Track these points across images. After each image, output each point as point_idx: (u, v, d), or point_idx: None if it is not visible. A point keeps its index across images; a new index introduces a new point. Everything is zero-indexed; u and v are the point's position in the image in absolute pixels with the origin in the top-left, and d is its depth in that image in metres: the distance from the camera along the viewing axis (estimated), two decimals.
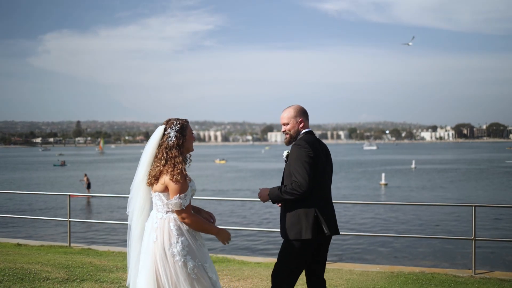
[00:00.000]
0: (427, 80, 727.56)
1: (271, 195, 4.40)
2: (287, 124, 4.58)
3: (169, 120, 4.03)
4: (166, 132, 3.98)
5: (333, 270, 8.22)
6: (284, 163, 4.60)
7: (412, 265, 12.02)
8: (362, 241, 16.48)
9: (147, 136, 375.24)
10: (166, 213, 3.87)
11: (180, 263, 3.74)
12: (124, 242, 14.52)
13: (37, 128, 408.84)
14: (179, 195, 3.80)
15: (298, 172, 4.28)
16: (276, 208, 23.32)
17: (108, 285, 6.48)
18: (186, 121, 4.07)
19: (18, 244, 10.73)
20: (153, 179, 3.90)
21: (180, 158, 3.91)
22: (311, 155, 4.32)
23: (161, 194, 3.87)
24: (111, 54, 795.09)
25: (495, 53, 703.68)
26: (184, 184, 3.83)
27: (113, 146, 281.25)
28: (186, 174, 3.90)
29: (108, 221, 18.42)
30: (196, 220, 3.86)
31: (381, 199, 31.27)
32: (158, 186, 3.88)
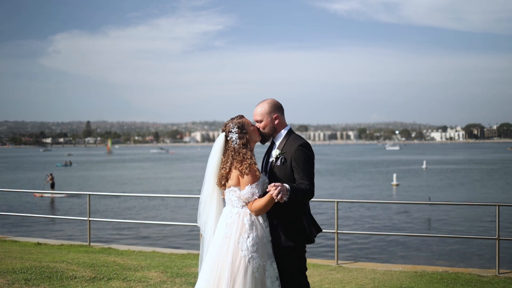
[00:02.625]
0: (437, 80, 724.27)
1: (293, 192, 3.77)
2: (261, 121, 4.17)
3: (226, 124, 4.10)
4: (228, 138, 4.06)
5: (356, 269, 8.22)
6: (269, 163, 4.17)
7: (429, 264, 11.98)
8: (379, 240, 16.43)
9: (156, 136, 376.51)
10: (242, 208, 3.93)
11: (247, 259, 3.76)
12: (141, 242, 14.51)
13: (47, 129, 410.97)
14: (250, 185, 3.86)
15: (310, 178, 3.98)
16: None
17: (135, 284, 6.52)
18: (241, 116, 4.13)
19: (38, 243, 10.79)
20: (224, 179, 3.99)
21: (249, 153, 3.98)
22: (313, 155, 4.11)
23: (235, 188, 3.94)
24: (121, 54, 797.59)
25: (506, 53, 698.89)
26: (253, 175, 3.89)
27: (116, 146, 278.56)
28: (257, 168, 3.95)
29: (130, 220, 18.52)
30: (259, 204, 3.86)
31: (393, 199, 31.15)
32: (231, 181, 3.95)
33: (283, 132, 4.20)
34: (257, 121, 4.18)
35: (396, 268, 8.50)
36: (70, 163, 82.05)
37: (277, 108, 4.18)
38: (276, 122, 4.16)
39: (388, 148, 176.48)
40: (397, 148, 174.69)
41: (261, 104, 4.19)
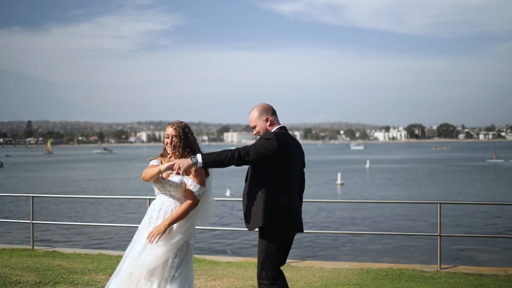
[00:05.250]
0: (380, 81, 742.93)
1: (205, 157, 4.15)
2: (255, 126, 4.57)
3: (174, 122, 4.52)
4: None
5: (304, 268, 8.34)
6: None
7: (375, 261, 12.25)
8: (325, 239, 16.69)
9: (101, 136, 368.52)
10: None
11: None
12: (88, 244, 14.17)
13: None
14: None
15: (244, 148, 4.26)
16: (235, 206, 23.34)
17: (83, 287, 6.39)
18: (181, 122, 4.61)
19: None
20: None
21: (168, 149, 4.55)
22: (270, 146, 4.27)
23: None
24: (64, 53, 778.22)
25: (445, 55, 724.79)
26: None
27: (50, 146, 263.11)
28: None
29: (75, 222, 18.05)
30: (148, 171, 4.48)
31: (339, 199, 31.64)
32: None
33: (273, 131, 4.49)
34: (253, 127, 4.57)
35: (343, 266, 8.68)
36: (1, 164, 75.96)
37: (266, 111, 4.54)
38: (267, 123, 4.51)
39: (353, 148, 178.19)
40: (361, 147, 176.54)
41: (252, 111, 4.57)
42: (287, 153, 4.37)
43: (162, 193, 4.41)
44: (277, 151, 4.28)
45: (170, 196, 4.38)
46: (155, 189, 4.44)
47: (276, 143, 4.28)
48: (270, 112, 4.54)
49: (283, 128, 4.53)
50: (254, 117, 4.54)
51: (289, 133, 4.58)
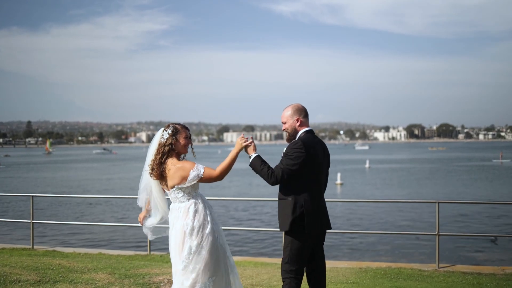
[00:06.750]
0: (380, 81, 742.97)
1: (253, 162, 4.58)
2: (285, 122, 4.83)
3: (169, 124, 4.66)
4: (162, 134, 4.62)
5: None
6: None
7: (373, 260, 12.28)
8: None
9: (100, 136, 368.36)
10: (188, 200, 4.53)
11: (187, 236, 4.49)
12: (88, 244, 14.20)
13: None
14: (192, 169, 4.45)
15: (277, 167, 4.56)
16: (233, 206, 23.35)
17: (83, 286, 6.43)
18: (183, 126, 4.65)
19: None
20: (159, 175, 4.66)
21: (165, 149, 4.56)
22: (300, 155, 4.53)
23: (179, 186, 4.49)
24: (63, 53, 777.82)
25: (445, 55, 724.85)
26: (188, 163, 4.52)
27: (49, 146, 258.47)
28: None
29: (75, 222, 18.08)
30: (223, 165, 4.47)
31: (338, 198, 31.60)
32: (173, 181, 4.49)
33: (300, 133, 4.77)
34: (283, 123, 4.84)
35: (341, 265, 8.72)
36: None
37: (298, 112, 4.81)
38: (297, 124, 4.78)
39: (358, 148, 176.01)
40: (366, 147, 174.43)
41: (287, 108, 4.85)
42: (314, 158, 4.64)
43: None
44: (305, 158, 4.54)
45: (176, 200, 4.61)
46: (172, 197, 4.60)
47: (304, 151, 4.55)
48: (302, 114, 4.80)
49: (310, 131, 4.78)
50: (286, 115, 4.81)
51: (316, 136, 4.82)
